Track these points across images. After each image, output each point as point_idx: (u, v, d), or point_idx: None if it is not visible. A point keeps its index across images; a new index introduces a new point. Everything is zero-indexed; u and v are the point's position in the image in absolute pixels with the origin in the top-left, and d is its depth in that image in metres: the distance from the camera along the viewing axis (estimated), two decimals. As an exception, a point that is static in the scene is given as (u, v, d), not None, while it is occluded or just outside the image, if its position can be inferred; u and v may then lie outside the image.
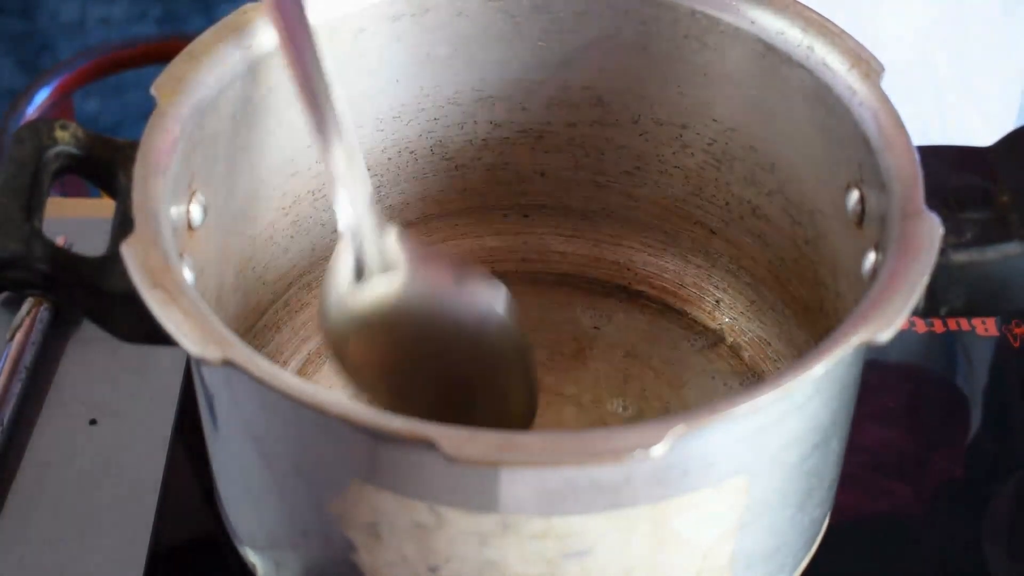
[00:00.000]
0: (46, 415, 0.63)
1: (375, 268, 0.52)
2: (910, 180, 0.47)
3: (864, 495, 0.60)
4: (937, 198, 0.47)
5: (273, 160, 0.56)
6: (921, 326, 0.67)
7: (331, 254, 0.61)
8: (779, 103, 0.55)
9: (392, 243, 0.52)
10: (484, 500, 0.42)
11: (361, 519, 0.45)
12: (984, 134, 0.94)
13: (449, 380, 0.54)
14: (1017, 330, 0.66)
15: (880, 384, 0.63)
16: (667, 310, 0.64)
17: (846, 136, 0.51)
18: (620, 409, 0.60)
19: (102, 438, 0.62)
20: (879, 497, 0.60)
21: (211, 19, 0.52)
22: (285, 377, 0.42)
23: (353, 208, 0.51)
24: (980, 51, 0.96)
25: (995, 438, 0.63)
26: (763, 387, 0.42)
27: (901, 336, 0.44)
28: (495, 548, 0.44)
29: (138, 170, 0.47)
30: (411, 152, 0.61)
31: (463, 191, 0.64)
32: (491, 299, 0.53)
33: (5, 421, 0.61)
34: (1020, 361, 0.65)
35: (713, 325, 0.63)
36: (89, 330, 0.66)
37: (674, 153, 0.61)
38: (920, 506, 0.60)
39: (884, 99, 0.50)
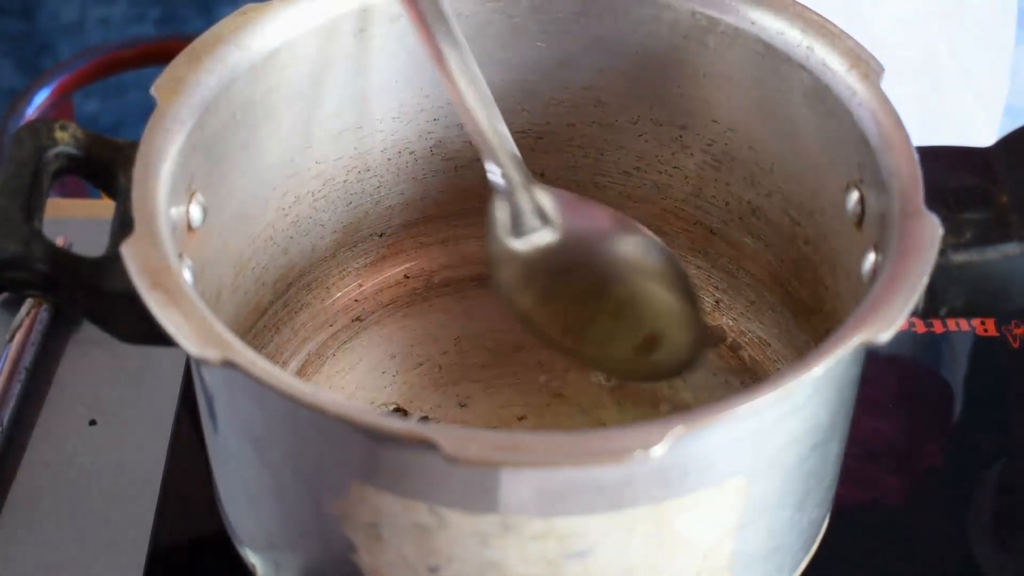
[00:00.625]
0: (46, 416, 0.63)
1: (531, 224, 0.56)
2: (910, 180, 0.47)
3: (863, 490, 0.60)
4: (937, 198, 0.47)
5: (273, 160, 0.56)
6: (920, 326, 0.67)
7: (330, 255, 0.62)
8: (779, 104, 0.55)
9: (544, 198, 0.56)
10: (484, 501, 0.42)
11: (361, 520, 0.45)
12: (982, 131, 0.94)
13: (613, 318, 0.57)
14: (1017, 330, 0.66)
15: (877, 384, 0.63)
16: (667, 310, 0.64)
17: (846, 136, 0.51)
18: (619, 410, 0.60)
19: (102, 439, 0.62)
20: (879, 492, 0.60)
21: (211, 20, 0.52)
22: (285, 378, 0.42)
23: (504, 171, 0.55)
24: (977, 46, 0.96)
25: (994, 439, 0.63)
26: (763, 388, 0.42)
27: (900, 336, 0.44)
28: (496, 548, 0.44)
29: (138, 171, 0.47)
30: (411, 153, 0.61)
31: (463, 192, 0.64)
32: (646, 241, 0.56)
33: (5, 422, 0.61)
34: (1020, 362, 0.65)
35: (713, 325, 0.63)
36: (89, 331, 0.66)
37: (674, 154, 0.61)
38: (921, 504, 0.60)
39: (884, 99, 0.50)
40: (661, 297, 0.57)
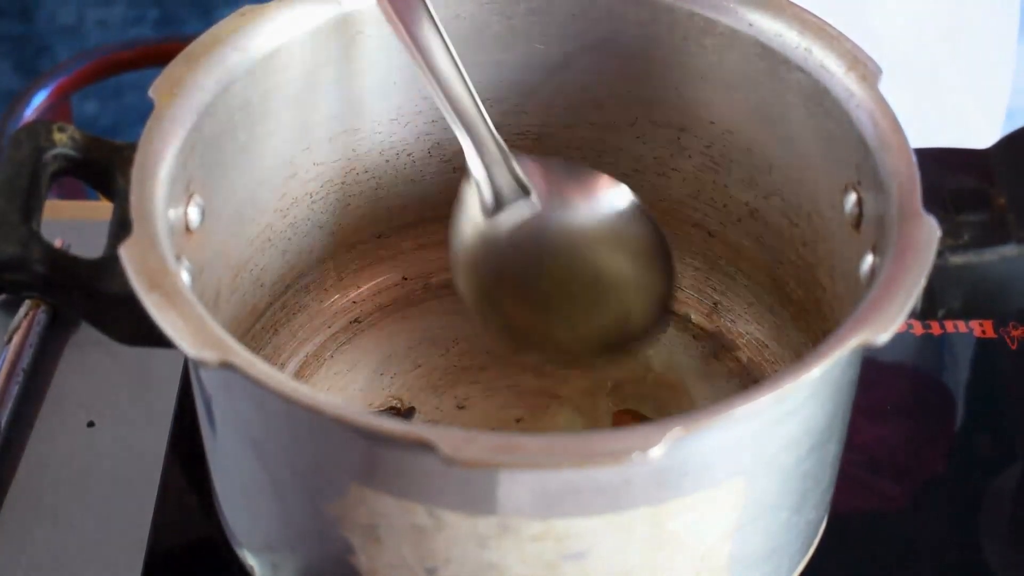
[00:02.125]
0: (44, 417, 0.63)
1: (509, 196, 0.55)
2: (908, 182, 0.47)
3: (860, 495, 0.60)
4: (935, 200, 0.47)
5: (271, 162, 0.56)
6: (918, 328, 0.67)
7: (328, 256, 0.62)
8: (777, 105, 0.55)
9: (520, 167, 0.55)
10: (482, 502, 0.42)
11: (359, 521, 0.45)
12: (980, 131, 0.94)
13: (587, 289, 0.56)
14: (1015, 332, 0.66)
15: (875, 386, 0.63)
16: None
17: (844, 138, 0.51)
18: (617, 411, 0.60)
19: (100, 440, 0.62)
20: (881, 495, 0.60)
21: (209, 21, 0.52)
22: (282, 379, 0.42)
23: (483, 143, 0.54)
24: (979, 48, 0.96)
25: (992, 440, 0.63)
26: (761, 389, 0.42)
27: (898, 338, 0.44)
28: (494, 550, 0.44)
29: (136, 172, 0.47)
30: (409, 154, 0.61)
31: (461, 193, 0.64)
32: (623, 198, 0.56)
33: (3, 423, 0.61)
34: (1017, 363, 0.65)
35: (711, 327, 0.63)
36: (87, 332, 0.66)
37: (672, 155, 0.61)
38: (923, 508, 0.60)
39: (882, 101, 0.50)
40: (635, 269, 0.56)
